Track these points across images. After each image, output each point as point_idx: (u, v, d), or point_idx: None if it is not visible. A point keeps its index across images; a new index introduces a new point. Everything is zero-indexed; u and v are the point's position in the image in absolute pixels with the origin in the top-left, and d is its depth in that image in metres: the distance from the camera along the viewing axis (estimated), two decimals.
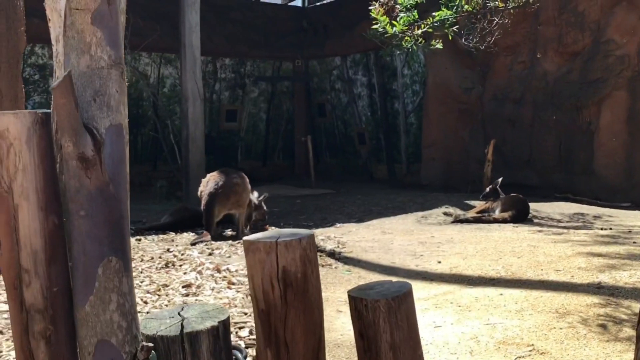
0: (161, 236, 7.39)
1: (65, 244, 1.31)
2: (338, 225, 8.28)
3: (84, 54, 1.27)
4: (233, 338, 3.90)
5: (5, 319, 3.97)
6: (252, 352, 3.70)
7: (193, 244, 6.90)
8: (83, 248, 1.26)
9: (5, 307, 4.20)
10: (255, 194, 7.94)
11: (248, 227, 7.66)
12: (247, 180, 7.57)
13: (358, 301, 1.52)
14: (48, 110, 1.33)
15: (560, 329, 3.92)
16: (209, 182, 7.45)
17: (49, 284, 1.28)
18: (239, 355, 1.47)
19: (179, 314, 1.46)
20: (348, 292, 1.59)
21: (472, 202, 9.61)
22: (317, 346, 1.48)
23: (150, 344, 1.29)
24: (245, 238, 1.47)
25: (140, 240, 7.06)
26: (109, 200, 1.27)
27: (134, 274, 5.43)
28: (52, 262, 1.28)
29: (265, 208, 7.99)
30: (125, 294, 1.29)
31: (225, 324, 1.42)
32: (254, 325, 4.11)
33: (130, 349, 1.28)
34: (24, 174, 1.26)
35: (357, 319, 1.52)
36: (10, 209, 1.26)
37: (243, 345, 3.85)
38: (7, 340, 3.61)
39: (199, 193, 7.56)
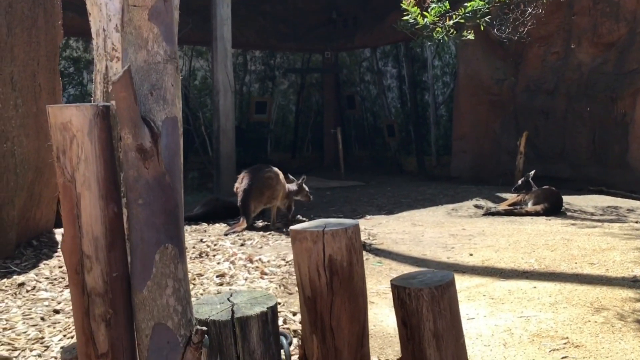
0: (194, 227, 7.50)
1: (124, 232, 1.37)
2: (368, 217, 8.30)
3: (141, 49, 1.32)
4: None
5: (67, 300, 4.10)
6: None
7: (226, 234, 7.02)
8: (141, 235, 1.32)
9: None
10: (290, 177, 8.08)
11: (290, 216, 7.79)
12: (281, 174, 7.66)
13: (401, 290, 1.55)
14: (107, 103, 1.38)
15: (595, 322, 3.91)
16: (243, 179, 7.58)
17: (109, 269, 1.34)
18: (284, 340, 1.52)
19: (228, 299, 1.51)
20: (391, 281, 1.62)
21: (504, 195, 9.54)
22: (362, 332, 1.52)
23: (204, 328, 1.34)
24: (292, 227, 1.51)
25: None
26: (166, 189, 1.32)
27: None
28: (112, 249, 1.34)
29: (307, 189, 8.08)
30: (180, 279, 1.34)
31: (273, 310, 1.47)
32: (288, 314, 4.17)
33: (185, 333, 1.33)
34: (86, 165, 1.32)
35: (400, 308, 1.56)
36: (74, 198, 1.32)
37: None
38: (47, 326, 3.73)
39: (234, 189, 7.68)
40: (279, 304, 4.47)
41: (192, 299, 4.20)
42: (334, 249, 1.43)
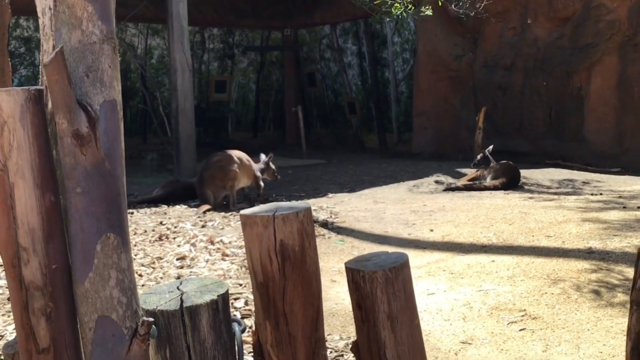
0: (154, 209, 7.39)
1: (63, 222, 1.31)
2: (330, 195, 8.30)
3: (75, 29, 1.25)
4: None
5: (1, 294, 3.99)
6: (248, 322, 3.75)
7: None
8: (80, 225, 1.26)
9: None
10: (262, 156, 8.03)
11: (259, 196, 7.74)
12: (236, 156, 7.58)
13: (355, 273, 1.53)
14: (40, 87, 1.31)
15: (552, 294, 3.99)
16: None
17: (47, 262, 1.28)
18: (237, 328, 1.48)
19: (177, 288, 1.47)
20: (345, 264, 1.60)
21: (464, 170, 9.66)
22: (316, 317, 1.50)
23: (151, 319, 1.30)
24: (242, 212, 1.47)
25: (132, 213, 7.06)
26: (105, 176, 1.26)
27: None
28: (50, 240, 1.28)
29: (273, 168, 8.03)
30: (124, 270, 1.29)
31: (224, 298, 1.44)
32: (249, 296, 4.15)
33: (131, 324, 1.29)
34: (19, 152, 1.25)
35: (355, 291, 1.54)
36: (7, 188, 1.25)
37: (239, 316, 3.89)
38: (2, 315, 3.63)
39: None
40: (241, 285, 4.44)
41: (144, 288, 4.10)
42: (285, 234, 1.40)
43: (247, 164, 7.62)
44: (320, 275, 1.51)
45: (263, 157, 8.04)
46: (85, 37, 1.26)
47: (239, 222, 6.66)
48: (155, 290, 1.49)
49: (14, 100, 1.23)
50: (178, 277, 4.64)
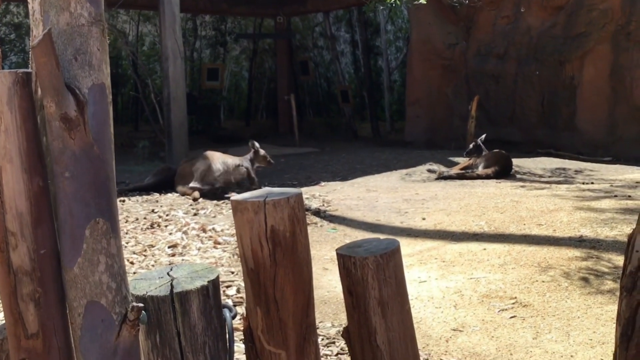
0: (145, 197, 7.37)
1: (51, 206, 1.30)
2: (323, 183, 8.30)
3: (63, 11, 1.23)
4: (221, 296, 3.94)
5: None
6: (240, 309, 3.75)
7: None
8: (69, 210, 1.25)
9: None
10: (257, 144, 8.02)
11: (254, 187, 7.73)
12: (207, 156, 7.60)
13: (347, 259, 1.53)
14: (28, 70, 1.29)
15: (543, 282, 4.01)
16: None
17: (35, 247, 1.27)
18: (227, 314, 1.48)
19: (168, 274, 1.47)
20: (336, 250, 1.60)
21: (456, 159, 9.67)
22: (306, 303, 1.49)
23: (141, 305, 1.29)
24: (232, 197, 1.46)
25: (124, 201, 7.03)
26: (94, 161, 1.25)
27: None
28: (39, 225, 1.27)
29: (263, 154, 7.95)
30: (114, 255, 1.28)
31: (214, 283, 1.43)
32: (241, 283, 4.15)
33: (121, 310, 1.28)
34: (7, 136, 1.23)
35: (346, 277, 1.54)
36: None
37: (231, 303, 3.90)
38: None
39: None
40: (232, 273, 4.44)
41: (135, 275, 4.09)
42: (276, 219, 1.39)
43: (214, 158, 7.62)
44: (311, 262, 1.51)
45: (256, 144, 8.01)
46: (74, 20, 1.25)
47: (231, 210, 6.67)
48: (145, 276, 1.48)
49: (1, 83, 1.22)
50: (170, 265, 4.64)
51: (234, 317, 1.51)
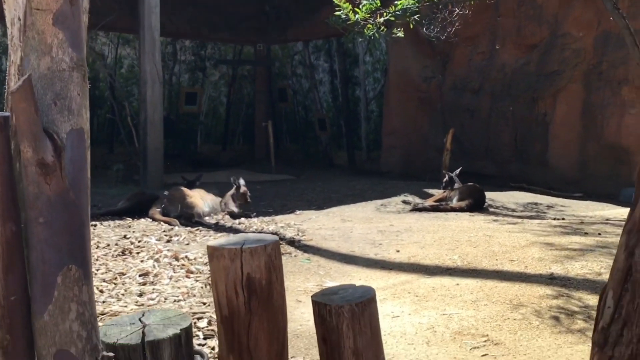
0: (117, 222, 7.26)
1: (23, 252, 1.28)
2: (298, 212, 8.29)
3: (44, 55, 1.23)
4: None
5: None
6: (211, 342, 3.70)
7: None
8: (42, 256, 1.23)
9: None
10: (242, 181, 8.19)
11: (235, 215, 7.85)
12: (180, 191, 7.70)
13: (322, 306, 1.52)
14: (5, 114, 1.28)
15: (514, 319, 4.03)
16: None
17: (6, 293, 1.24)
18: None
19: (140, 320, 1.44)
20: (312, 297, 1.59)
21: (431, 191, 9.74)
22: (281, 351, 1.48)
23: (111, 354, 1.27)
24: (209, 244, 1.46)
25: (95, 226, 6.93)
26: (69, 207, 1.23)
27: None
28: (10, 270, 1.25)
29: (243, 191, 8.06)
30: (85, 302, 1.26)
31: (187, 332, 1.41)
32: (212, 315, 4.09)
33: (90, 359, 1.26)
34: None
35: (321, 324, 1.53)
36: None
37: (202, 336, 3.84)
38: None
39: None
40: (204, 304, 4.38)
41: (104, 304, 4.00)
42: (252, 267, 1.39)
43: (185, 195, 7.75)
44: (286, 310, 1.50)
45: (240, 182, 8.18)
46: (55, 64, 1.24)
47: (205, 238, 6.59)
48: (117, 321, 1.45)
49: None
50: (140, 294, 4.56)
51: None
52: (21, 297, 1.26)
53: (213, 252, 1.42)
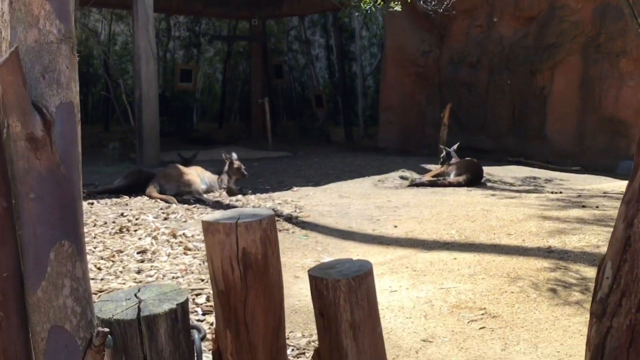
0: (115, 200, 7.25)
1: (15, 228, 1.26)
2: (295, 189, 8.28)
3: (31, 27, 1.20)
4: (190, 305, 3.89)
5: None
6: (210, 318, 3.71)
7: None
8: (34, 232, 1.21)
9: None
10: (234, 155, 8.15)
11: (232, 191, 7.86)
12: (176, 168, 7.67)
13: (319, 281, 1.52)
14: None
15: (512, 292, 4.04)
16: None
17: None
18: (196, 335, 1.45)
19: (135, 295, 1.43)
20: (308, 271, 1.59)
21: (428, 166, 9.74)
22: (277, 326, 1.48)
23: (106, 330, 1.26)
24: (204, 218, 1.44)
25: (92, 204, 6.91)
26: (61, 182, 1.21)
27: (87, 239, 5.33)
28: (2, 247, 1.23)
29: (236, 166, 8.03)
30: (79, 278, 1.25)
31: (183, 307, 1.40)
32: (211, 291, 4.10)
33: (85, 335, 1.25)
34: None
35: (318, 299, 1.53)
36: None
37: (200, 312, 3.85)
38: None
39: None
40: (202, 280, 4.39)
41: (102, 282, 4.01)
42: (247, 242, 1.37)
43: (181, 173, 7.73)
44: (282, 284, 1.49)
45: (234, 155, 8.17)
46: (42, 37, 1.21)
47: (202, 215, 6.58)
48: (112, 297, 1.44)
49: None
50: (138, 272, 4.56)
51: (203, 338, 1.48)
52: (14, 274, 1.25)
53: (208, 227, 1.40)
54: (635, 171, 1.35)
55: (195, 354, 1.44)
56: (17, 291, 1.26)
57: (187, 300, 1.43)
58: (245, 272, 1.38)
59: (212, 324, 3.51)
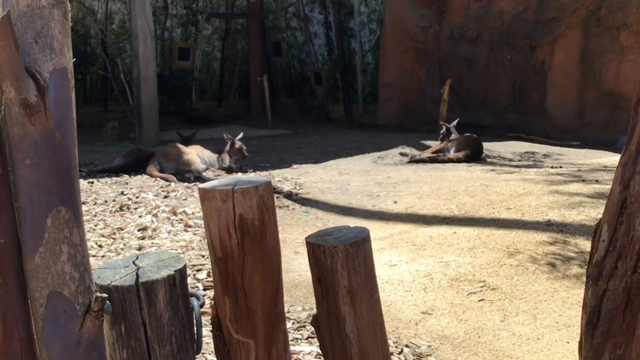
0: (115, 179, 7.26)
1: (12, 195, 1.26)
2: (295, 166, 8.28)
3: None
4: (191, 280, 3.91)
5: None
6: (210, 293, 3.73)
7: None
8: (30, 198, 1.21)
9: None
10: (240, 135, 8.22)
11: (232, 170, 7.92)
12: (175, 147, 7.64)
13: (316, 247, 1.52)
14: None
15: (511, 265, 4.06)
16: None
17: None
18: (195, 302, 1.46)
19: (133, 263, 1.44)
20: (306, 238, 1.59)
21: (428, 142, 9.72)
22: (275, 292, 1.49)
23: (105, 295, 1.27)
24: (200, 186, 1.45)
25: (92, 183, 6.92)
26: (56, 148, 1.21)
27: (88, 217, 5.34)
28: None
29: (238, 146, 8.05)
30: (77, 244, 1.25)
31: (181, 273, 1.41)
32: (210, 267, 4.13)
33: (84, 300, 1.26)
34: None
35: (315, 265, 1.53)
36: None
37: (201, 287, 3.87)
38: None
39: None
40: (203, 256, 4.41)
41: (104, 259, 4.02)
42: (244, 208, 1.38)
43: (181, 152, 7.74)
44: (280, 251, 1.50)
45: (240, 134, 8.25)
46: (34, 1, 1.20)
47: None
48: (110, 265, 1.45)
49: None
50: (139, 249, 4.59)
51: (202, 305, 1.49)
52: (11, 240, 1.25)
53: (205, 194, 1.40)
54: (632, 133, 1.35)
55: (195, 320, 1.45)
56: (15, 258, 1.26)
57: (185, 267, 1.44)
58: (243, 238, 1.39)
59: (212, 299, 3.53)
